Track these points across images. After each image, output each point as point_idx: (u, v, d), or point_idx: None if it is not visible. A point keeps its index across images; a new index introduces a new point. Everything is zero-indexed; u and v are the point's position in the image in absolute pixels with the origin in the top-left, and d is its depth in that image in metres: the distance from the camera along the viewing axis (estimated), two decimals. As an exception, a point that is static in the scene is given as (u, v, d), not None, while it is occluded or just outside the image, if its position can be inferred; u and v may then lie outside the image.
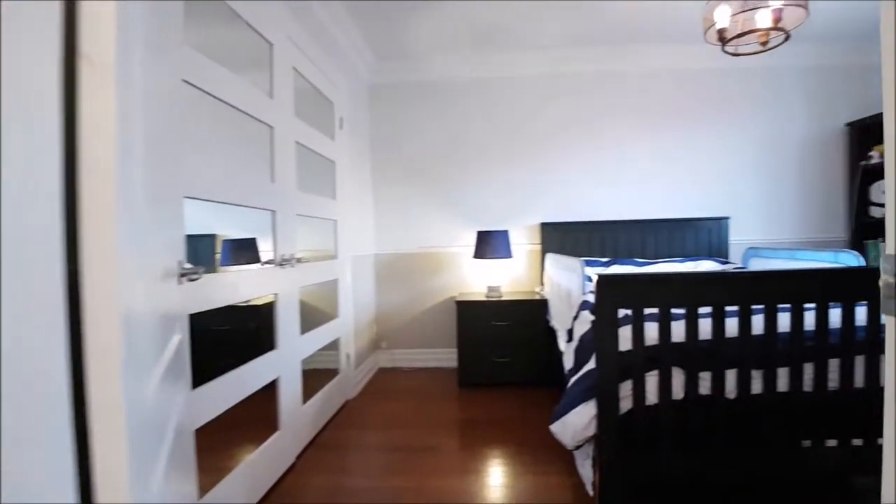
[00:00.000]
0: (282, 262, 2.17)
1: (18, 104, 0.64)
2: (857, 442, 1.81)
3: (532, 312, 3.39)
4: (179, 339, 1.37)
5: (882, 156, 3.64)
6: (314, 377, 2.71)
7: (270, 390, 2.18)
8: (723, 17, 2.32)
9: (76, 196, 0.76)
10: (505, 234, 3.58)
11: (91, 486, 0.76)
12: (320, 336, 2.75)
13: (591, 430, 1.81)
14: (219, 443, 1.88)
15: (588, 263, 3.54)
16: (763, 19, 2.29)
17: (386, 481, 2.16)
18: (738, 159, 3.93)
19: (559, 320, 3.01)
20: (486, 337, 3.40)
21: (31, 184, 0.67)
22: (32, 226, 0.67)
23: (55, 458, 0.70)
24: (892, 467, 0.69)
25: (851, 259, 2.66)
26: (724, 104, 3.91)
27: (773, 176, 3.95)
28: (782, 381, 1.78)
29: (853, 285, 1.79)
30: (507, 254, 3.54)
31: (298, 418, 2.39)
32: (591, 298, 2.43)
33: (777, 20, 2.18)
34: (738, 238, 3.92)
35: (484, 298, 3.47)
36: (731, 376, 1.78)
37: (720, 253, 3.83)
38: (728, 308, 1.75)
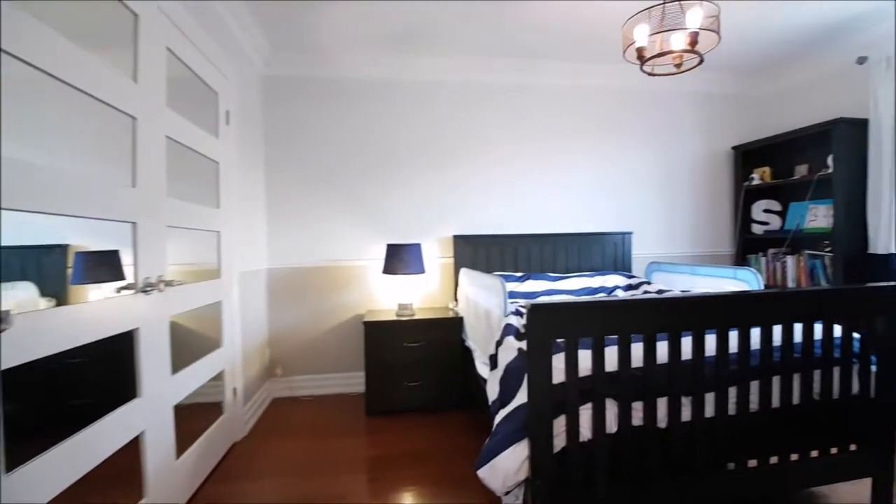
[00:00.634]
0: (146, 288, 1.72)
1: None
2: (774, 460, 1.82)
3: (446, 331, 3.17)
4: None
5: (762, 178, 3.95)
6: (193, 416, 2.25)
7: (134, 446, 1.72)
8: (641, 36, 2.29)
9: None
10: (417, 247, 3.33)
11: None
12: (200, 372, 2.29)
13: (524, 474, 1.62)
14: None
15: (502, 278, 3.41)
16: (678, 41, 2.29)
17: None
18: (640, 177, 4.06)
19: (477, 341, 2.82)
20: (396, 359, 3.11)
21: None
22: None
23: None
24: None
25: (750, 276, 2.76)
26: (629, 123, 4.03)
27: (671, 193, 4.14)
28: (709, 406, 1.73)
29: (800, 307, 1.78)
30: (419, 269, 3.29)
31: (171, 477, 1.93)
32: (515, 321, 2.27)
33: (693, 43, 2.18)
34: (640, 252, 4.04)
35: (394, 318, 3.18)
36: (661, 405, 1.69)
37: (624, 267, 3.91)
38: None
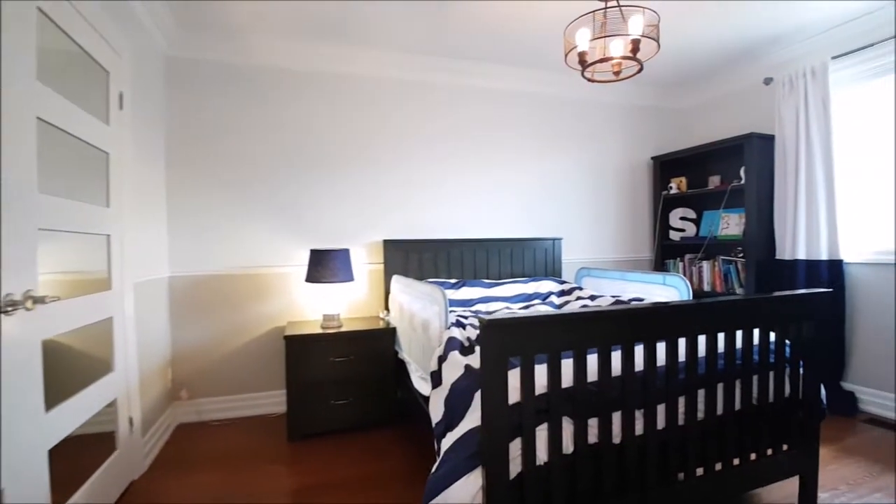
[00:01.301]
0: (5, 308, 1.35)
1: None
2: (718, 466, 1.82)
3: (377, 343, 2.95)
4: None
5: (679, 187, 4.14)
6: (80, 453, 1.86)
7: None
8: (583, 40, 2.24)
9: None
10: (345, 253, 3.08)
11: None
12: (84, 404, 1.90)
13: (478, 506, 1.47)
14: None
15: (437, 284, 3.25)
16: (617, 48, 2.27)
17: None
18: (569, 183, 4.11)
19: (413, 353, 2.63)
20: (322, 376, 2.84)
21: None
22: None
23: None
24: None
25: (679, 282, 2.83)
26: (560, 131, 4.06)
27: (597, 200, 4.23)
28: (660, 417, 1.70)
29: (742, 314, 1.80)
30: (347, 276, 3.04)
31: (41, 540, 1.55)
32: (458, 334, 2.12)
33: (635, 50, 2.17)
34: (569, 258, 4.07)
35: (320, 330, 2.91)
36: (616, 419, 1.62)
37: (555, 272, 3.91)
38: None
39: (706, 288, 3.87)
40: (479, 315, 1.37)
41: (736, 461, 1.85)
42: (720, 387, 1.80)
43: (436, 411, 1.83)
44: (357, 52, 3.35)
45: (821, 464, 2.05)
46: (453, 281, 3.36)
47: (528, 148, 3.95)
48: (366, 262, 3.48)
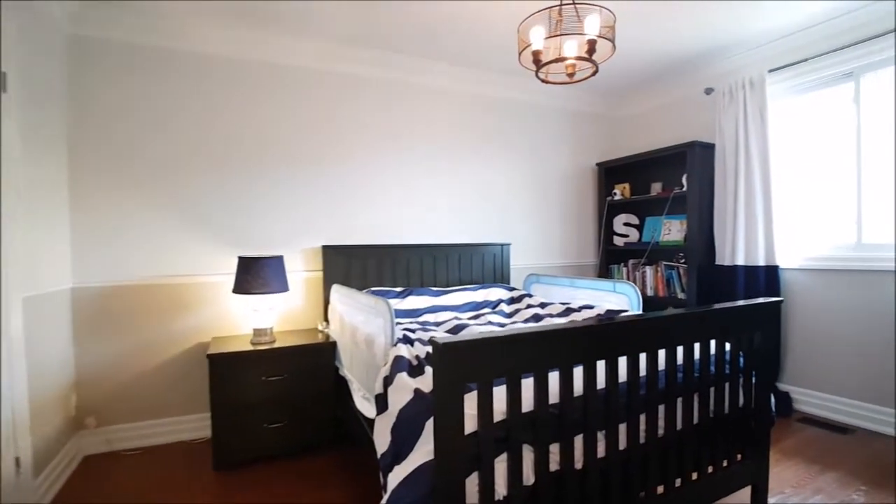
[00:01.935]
0: None
1: None
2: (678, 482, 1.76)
3: (315, 359, 2.71)
4: None
5: (622, 193, 4.17)
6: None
7: None
8: (537, 39, 2.14)
9: None
10: (278, 260, 2.81)
11: None
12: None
13: (432, 552, 1.30)
14: None
15: (380, 295, 3.05)
16: (570, 48, 2.19)
17: None
18: (517, 188, 4.04)
19: (355, 371, 2.43)
20: (252, 397, 2.57)
21: None
22: None
23: None
24: None
25: (629, 290, 2.80)
26: (508, 134, 3.99)
27: (545, 205, 4.19)
28: (622, 437, 1.61)
29: (701, 326, 1.76)
30: (281, 286, 2.78)
31: None
32: (406, 352, 1.94)
33: (591, 51, 2.08)
34: (517, 263, 4.00)
35: (249, 347, 2.63)
36: (577, 443, 1.50)
37: (503, 278, 3.82)
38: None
39: (649, 293, 3.91)
40: (433, 338, 1.21)
41: (695, 475, 1.81)
42: (679, 401, 1.75)
43: (381, 441, 1.64)
44: (294, 43, 3.10)
45: (769, 470, 2.05)
46: (399, 289, 3.17)
47: (476, 151, 3.83)
48: (302, 270, 3.22)
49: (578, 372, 1.49)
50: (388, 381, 1.76)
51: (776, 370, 3.21)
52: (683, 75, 3.79)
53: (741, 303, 1.90)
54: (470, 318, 2.87)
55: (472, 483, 1.32)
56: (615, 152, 4.47)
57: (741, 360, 1.93)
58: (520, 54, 2.22)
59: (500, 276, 3.80)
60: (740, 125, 3.26)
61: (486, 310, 3.13)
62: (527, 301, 3.16)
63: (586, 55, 2.10)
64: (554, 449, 1.45)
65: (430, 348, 2.02)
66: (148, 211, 2.85)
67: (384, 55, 3.34)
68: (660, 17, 2.83)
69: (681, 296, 3.66)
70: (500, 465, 1.38)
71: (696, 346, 1.79)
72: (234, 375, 2.54)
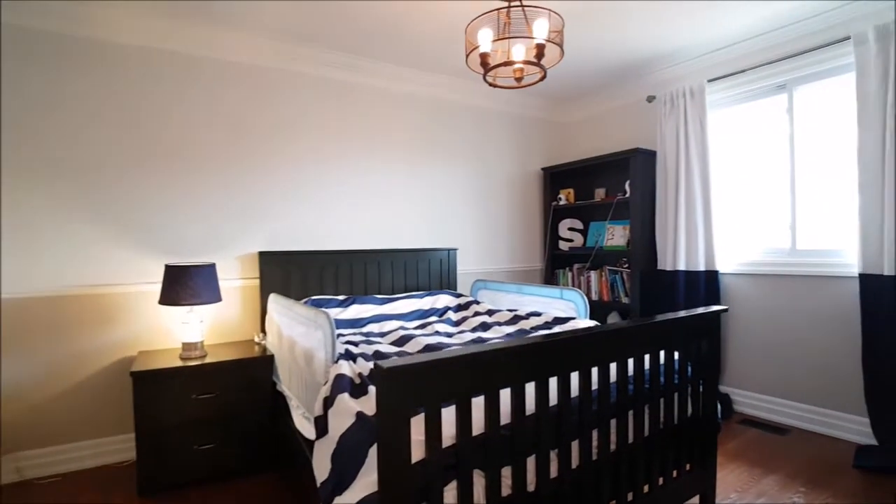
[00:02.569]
0: None
1: None
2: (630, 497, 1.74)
3: (251, 374, 2.52)
4: None
5: (567, 198, 4.21)
6: None
7: None
8: (485, 41, 2.08)
9: None
10: (210, 269, 2.60)
11: None
12: None
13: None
14: None
15: (321, 304, 2.91)
16: (519, 52, 2.15)
17: None
18: (464, 192, 3.98)
19: (294, 388, 2.27)
20: (181, 417, 2.35)
21: None
22: None
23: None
24: None
25: (577, 297, 2.79)
26: (456, 138, 3.92)
27: (492, 210, 4.15)
28: (574, 454, 1.56)
29: (652, 337, 1.75)
30: (213, 296, 2.58)
31: None
32: (347, 369, 1.81)
33: (539, 56, 2.04)
34: (464, 268, 3.94)
35: (178, 363, 2.41)
36: (530, 464, 1.44)
37: (450, 284, 3.75)
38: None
39: (594, 297, 3.95)
40: (377, 362, 1.10)
41: (646, 488, 1.79)
42: (630, 414, 1.72)
43: (321, 467, 1.51)
44: (227, 35, 2.88)
45: (713, 475, 2.08)
46: (342, 297, 3.02)
47: (423, 154, 3.74)
48: (237, 278, 3.00)
49: (530, 389, 1.43)
50: (328, 403, 1.63)
51: (717, 373, 3.31)
52: (627, 82, 3.85)
53: (683, 313, 1.90)
54: (416, 328, 2.77)
55: (417, 514, 1.23)
56: (560, 157, 4.51)
57: (689, 369, 1.94)
58: (467, 56, 2.16)
59: (447, 282, 3.73)
60: (681, 133, 3.34)
61: (433, 318, 3.05)
62: (474, 308, 3.10)
63: (535, 59, 2.06)
64: (506, 472, 1.38)
65: (373, 364, 1.91)
66: (61, 215, 2.55)
67: (326, 54, 3.18)
68: (604, 23, 2.84)
69: (625, 300, 3.71)
70: (451, 492, 1.29)
71: (647, 357, 1.78)
72: (160, 393, 2.32)
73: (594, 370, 1.58)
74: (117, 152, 2.68)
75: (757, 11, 2.72)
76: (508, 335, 2.47)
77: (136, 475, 2.32)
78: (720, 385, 3.35)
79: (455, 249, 3.81)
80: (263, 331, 2.94)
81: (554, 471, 1.49)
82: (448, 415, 1.29)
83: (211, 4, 2.56)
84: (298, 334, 2.20)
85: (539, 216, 4.47)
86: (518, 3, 2.07)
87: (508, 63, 2.11)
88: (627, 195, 3.64)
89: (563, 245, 4.32)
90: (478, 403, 1.33)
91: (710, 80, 3.24)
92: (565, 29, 2.78)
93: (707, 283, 3.26)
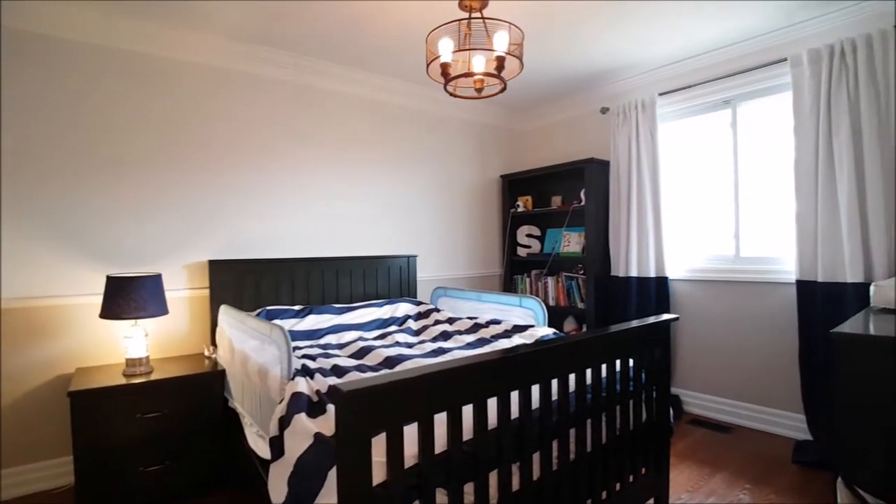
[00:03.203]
0: None
1: None
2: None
3: (201, 390, 2.41)
4: None
5: (525, 205, 4.27)
6: None
7: None
8: (446, 51, 2.07)
9: None
10: (155, 279, 2.47)
11: None
12: None
13: None
14: None
15: (276, 315, 2.82)
16: (479, 64, 2.16)
17: None
18: (423, 198, 3.96)
19: (246, 404, 2.19)
20: (125, 437, 2.22)
21: None
22: None
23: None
24: None
25: (535, 304, 2.83)
26: (416, 144, 3.90)
27: (451, 216, 4.15)
28: (535, 466, 1.57)
29: (608, 346, 1.78)
30: (159, 309, 2.44)
31: None
32: (304, 387, 1.76)
33: (500, 68, 2.06)
34: (424, 275, 3.92)
35: (121, 381, 2.28)
36: (492, 479, 1.44)
37: (410, 292, 3.72)
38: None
39: (551, 303, 4.02)
40: (335, 384, 1.07)
41: (604, 495, 1.83)
42: (588, 423, 1.76)
43: (277, 492, 1.45)
44: (171, 33, 2.75)
45: (665, 476, 2.15)
46: (298, 307, 2.94)
47: (382, 160, 3.69)
48: (185, 288, 2.86)
49: (492, 403, 1.42)
50: (284, 423, 1.57)
51: (669, 379, 3.43)
52: (582, 94, 3.95)
53: (636, 323, 1.95)
54: (376, 339, 2.73)
55: (380, 538, 1.20)
56: (519, 165, 4.57)
57: (643, 376, 2.00)
58: (428, 66, 2.15)
59: (406, 289, 3.70)
60: (633, 144, 3.46)
61: (393, 327, 3.01)
62: (434, 316, 3.09)
63: (495, 71, 2.08)
64: (468, 489, 1.38)
65: (332, 380, 1.87)
66: (-16, 222, 2.37)
67: (284, 56, 3.09)
68: (561, 36, 2.89)
69: (580, 305, 3.80)
70: (413, 513, 1.27)
71: (603, 366, 1.82)
72: (101, 414, 2.17)
73: (554, 382, 1.60)
74: (54, 156, 2.50)
75: (703, 32, 2.85)
76: (469, 344, 2.47)
77: (73, 501, 2.16)
78: (671, 387, 3.48)
79: (415, 256, 3.79)
80: (214, 344, 2.82)
81: (516, 484, 1.50)
82: (410, 432, 1.27)
83: (162, 4, 2.43)
84: (251, 349, 2.12)
85: (498, 223, 4.51)
86: (479, 15, 2.08)
87: (469, 74, 2.12)
88: (583, 203, 3.73)
89: (522, 251, 4.37)
90: (440, 419, 1.32)
91: (661, 94, 3.37)
92: (526, 38, 2.81)
93: (657, 289, 3.38)
